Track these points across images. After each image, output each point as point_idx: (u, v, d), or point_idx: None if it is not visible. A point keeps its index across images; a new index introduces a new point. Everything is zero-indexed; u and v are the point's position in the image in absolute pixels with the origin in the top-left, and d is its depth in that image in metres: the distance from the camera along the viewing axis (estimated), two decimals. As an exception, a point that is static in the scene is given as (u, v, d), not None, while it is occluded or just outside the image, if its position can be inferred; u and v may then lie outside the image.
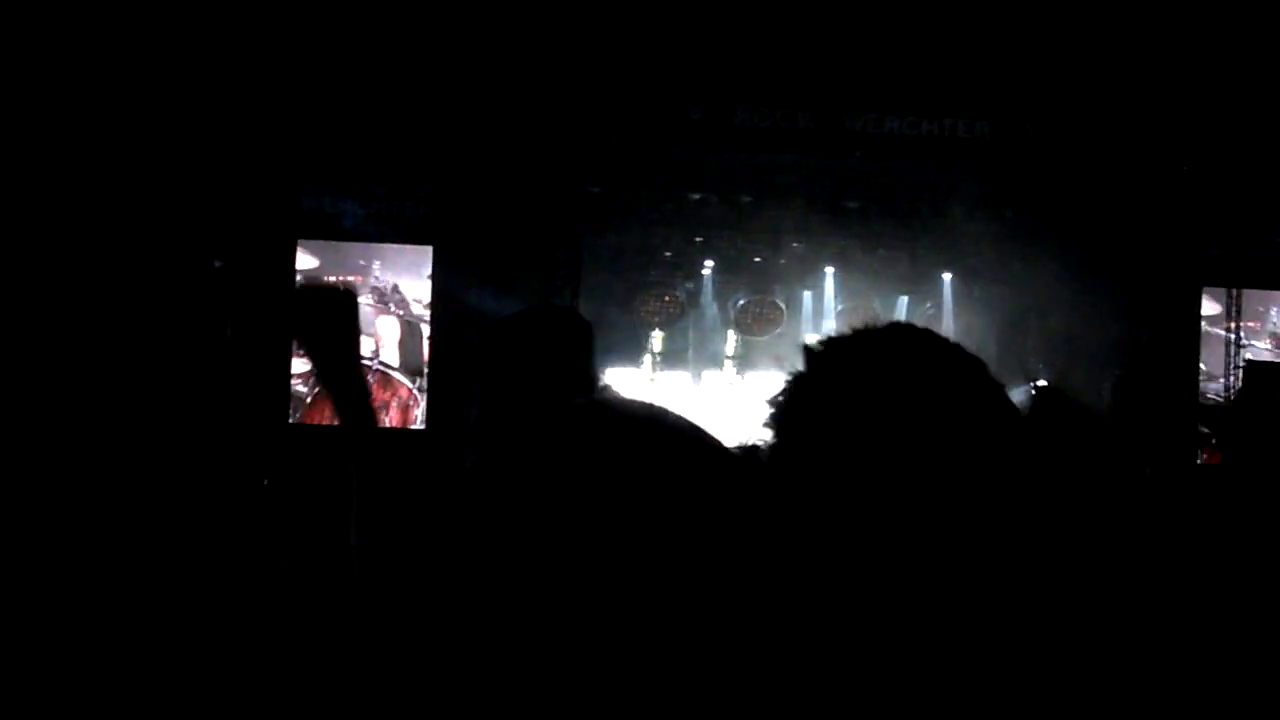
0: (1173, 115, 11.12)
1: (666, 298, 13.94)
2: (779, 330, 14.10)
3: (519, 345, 3.40)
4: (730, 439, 1.56)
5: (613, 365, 13.46)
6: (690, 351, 14.12)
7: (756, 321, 14.15)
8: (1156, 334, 11.48)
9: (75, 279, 9.46)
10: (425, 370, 11.25)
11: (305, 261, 11.17)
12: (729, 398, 13.85)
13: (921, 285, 13.66)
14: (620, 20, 10.60)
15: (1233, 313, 11.72)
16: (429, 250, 11.33)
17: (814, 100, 11.34)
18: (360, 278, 11.18)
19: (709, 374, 14.18)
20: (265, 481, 9.56)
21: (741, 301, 14.13)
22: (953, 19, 10.63)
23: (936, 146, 11.55)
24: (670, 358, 14.06)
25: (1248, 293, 11.75)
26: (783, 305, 14.12)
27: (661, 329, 13.97)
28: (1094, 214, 11.41)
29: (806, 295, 14.04)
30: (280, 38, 10.35)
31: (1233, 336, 11.69)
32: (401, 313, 11.36)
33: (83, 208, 9.56)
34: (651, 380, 13.79)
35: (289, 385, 10.91)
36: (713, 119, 11.38)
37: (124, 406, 9.24)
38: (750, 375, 14.07)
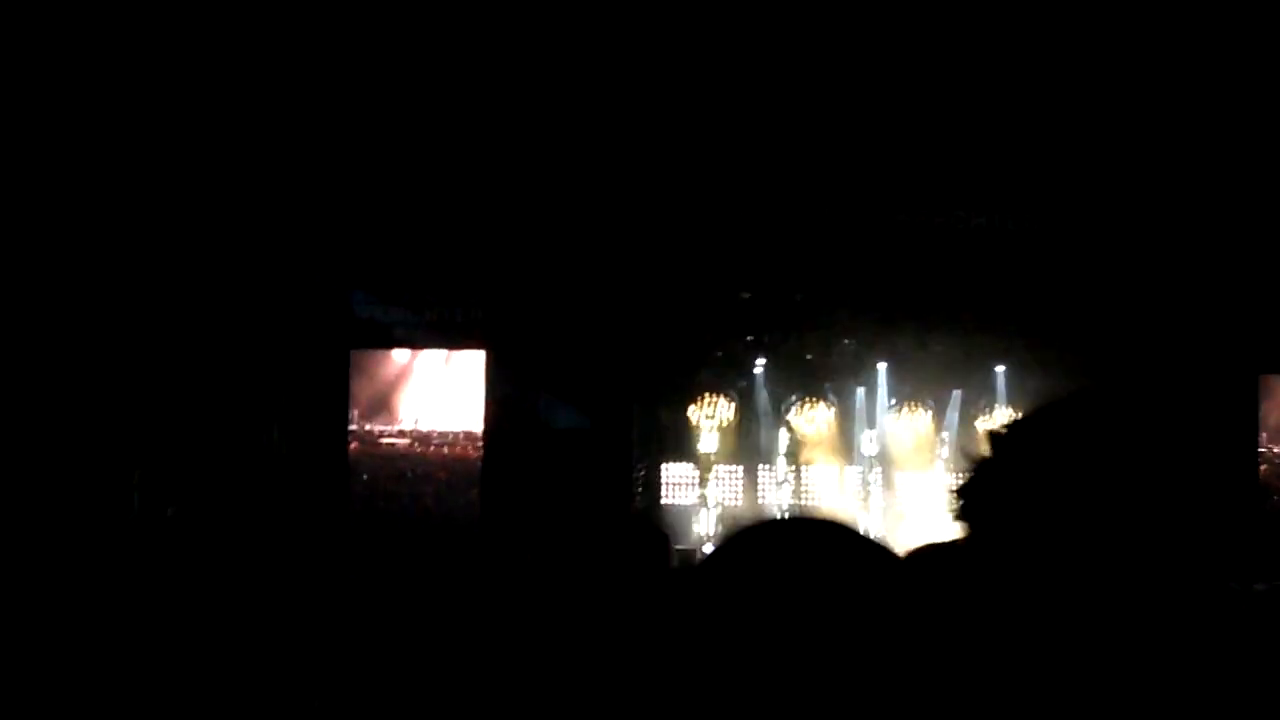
0: (1223, 206, 11.09)
1: (718, 397, 13.93)
2: (830, 428, 14.05)
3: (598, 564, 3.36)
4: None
5: (667, 462, 13.47)
6: (742, 451, 14.08)
7: (808, 420, 14.12)
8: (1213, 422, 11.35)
9: (133, 374, 9.56)
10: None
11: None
12: (784, 493, 13.80)
13: (974, 378, 13.59)
14: (673, 125, 10.70)
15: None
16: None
17: (863, 198, 11.39)
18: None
19: (762, 470, 14.12)
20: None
21: (794, 399, 14.11)
22: (1000, 113, 10.67)
23: (986, 240, 11.55)
24: (723, 456, 14.01)
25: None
26: (834, 402, 14.08)
27: (713, 429, 13.94)
28: (1148, 306, 11.36)
29: (859, 391, 14.00)
30: (331, 146, 10.48)
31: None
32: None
33: (147, 308, 9.67)
34: (706, 478, 13.75)
35: (347, 487, 10.94)
36: (764, 218, 11.45)
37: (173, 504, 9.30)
38: (804, 470, 14.02)
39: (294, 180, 10.43)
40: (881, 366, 13.74)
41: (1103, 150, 10.89)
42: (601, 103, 10.61)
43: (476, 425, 11.48)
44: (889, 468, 14.07)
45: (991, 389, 13.54)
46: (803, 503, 14.02)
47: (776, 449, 14.11)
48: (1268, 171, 10.79)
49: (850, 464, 14.11)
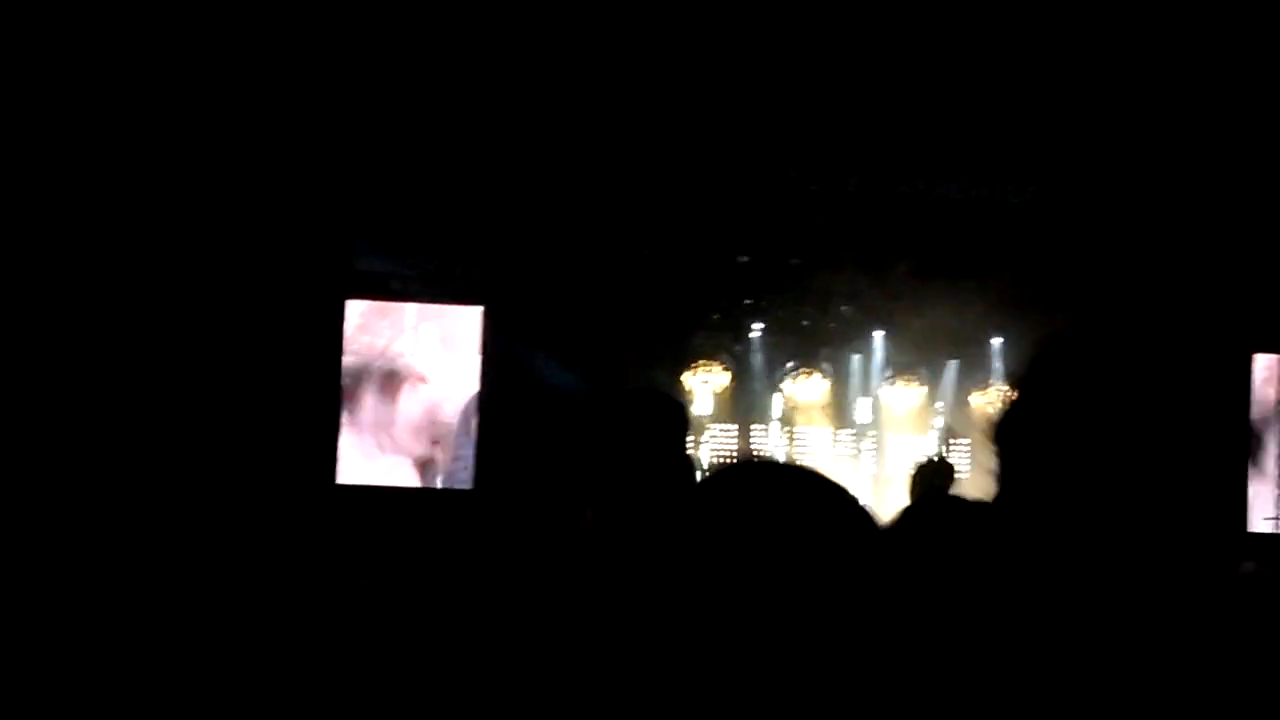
0: (1226, 181, 11.08)
1: (714, 363, 13.94)
2: (825, 398, 14.08)
3: (619, 435, 3.42)
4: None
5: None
6: (736, 414, 14.10)
7: (803, 388, 14.13)
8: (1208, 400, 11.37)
9: (127, 332, 9.55)
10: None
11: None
12: (778, 451, 13.84)
13: (971, 349, 13.61)
14: (671, 85, 10.67)
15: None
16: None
17: (864, 164, 11.37)
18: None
19: (755, 431, 14.15)
20: None
21: (790, 367, 14.11)
22: (1002, 84, 10.65)
23: (986, 210, 11.55)
24: (717, 419, 14.03)
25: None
26: (830, 371, 14.09)
27: (708, 394, 13.95)
28: (1146, 279, 11.35)
29: (855, 359, 14.02)
30: (331, 96, 10.45)
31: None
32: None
33: (141, 264, 9.66)
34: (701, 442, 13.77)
35: (335, 444, 10.93)
36: (763, 182, 11.43)
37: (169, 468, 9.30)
38: (796, 435, 14.06)
39: (293, 132, 10.40)
40: (878, 334, 13.76)
41: (1104, 122, 10.87)
42: (599, 65, 10.58)
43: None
44: (882, 435, 14.11)
45: (988, 361, 13.57)
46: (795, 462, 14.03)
47: (770, 414, 14.14)
48: (1268, 147, 10.78)
49: (843, 429, 14.15)
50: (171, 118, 9.80)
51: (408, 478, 11.09)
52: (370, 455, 11.04)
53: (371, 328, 11.17)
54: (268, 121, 10.24)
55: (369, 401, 11.12)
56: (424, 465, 11.17)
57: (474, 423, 11.16)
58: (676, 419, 3.53)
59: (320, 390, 10.68)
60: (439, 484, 11.12)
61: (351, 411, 11.05)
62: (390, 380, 11.15)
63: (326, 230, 10.78)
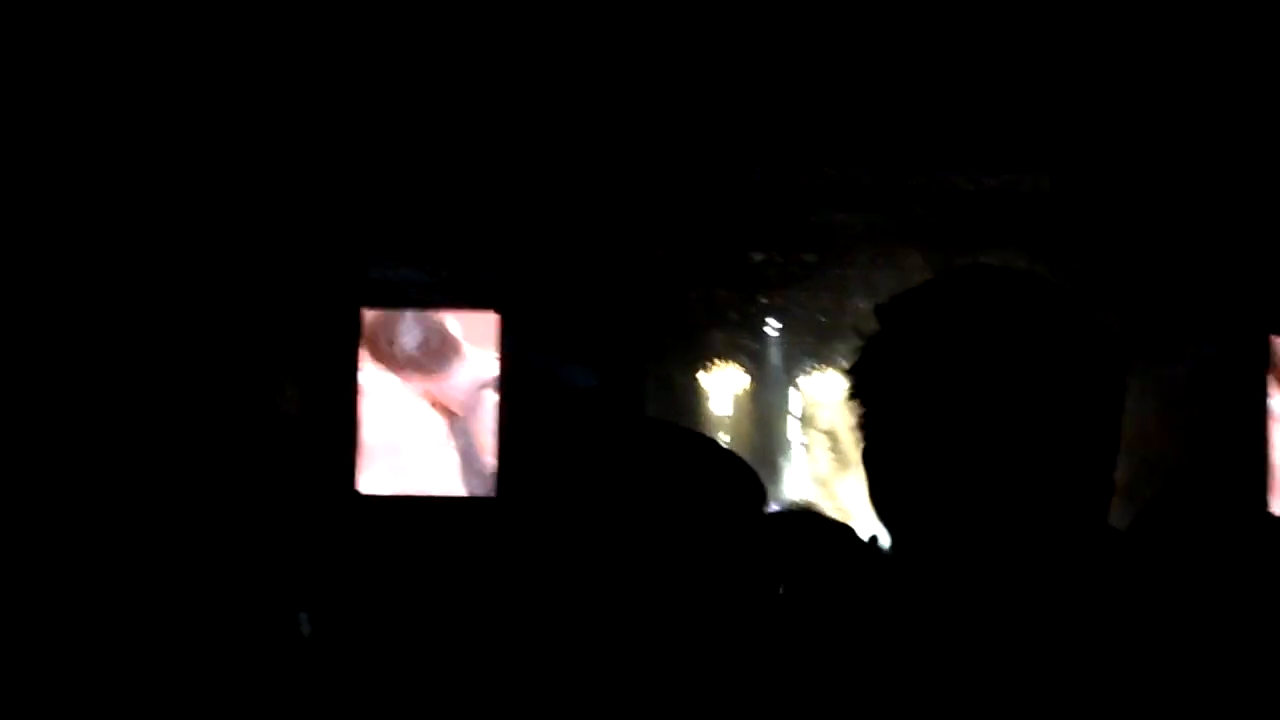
0: (1241, 168, 11.03)
1: (730, 364, 13.93)
2: (842, 393, 14.05)
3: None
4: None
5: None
6: (754, 413, 14.10)
7: (820, 386, 14.13)
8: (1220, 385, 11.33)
9: (141, 338, 9.59)
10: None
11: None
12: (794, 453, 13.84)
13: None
14: (682, 83, 10.66)
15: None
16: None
17: (876, 159, 11.35)
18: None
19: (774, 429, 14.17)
20: None
21: (807, 365, 14.12)
22: (1012, 75, 10.62)
23: (997, 201, 11.53)
24: (736, 419, 14.04)
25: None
26: (846, 368, 14.07)
27: (725, 395, 13.96)
28: (1158, 268, 11.33)
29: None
30: (344, 104, 10.48)
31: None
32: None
33: (152, 269, 9.69)
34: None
35: (354, 453, 10.94)
36: (775, 179, 11.43)
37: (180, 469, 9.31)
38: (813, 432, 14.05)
39: (306, 140, 10.42)
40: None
41: (1118, 111, 10.83)
42: (609, 65, 10.58)
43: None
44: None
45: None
46: (814, 460, 14.06)
47: (788, 412, 14.14)
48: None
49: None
50: (183, 122, 9.83)
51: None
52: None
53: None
54: (281, 130, 10.26)
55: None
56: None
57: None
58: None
59: (336, 397, 10.71)
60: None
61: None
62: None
63: (341, 240, 10.81)
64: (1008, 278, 1.38)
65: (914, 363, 1.32)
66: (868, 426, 1.37)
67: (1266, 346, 11.29)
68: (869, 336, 1.40)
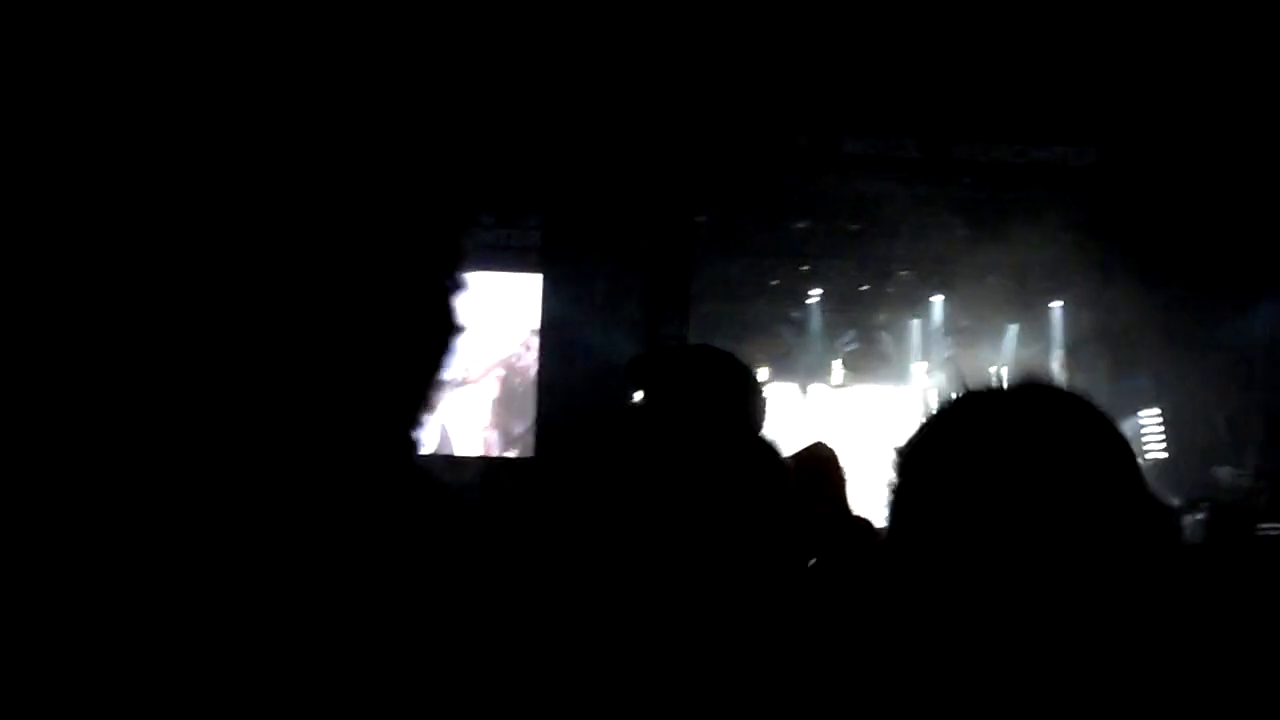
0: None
1: (773, 338, 13.84)
2: (883, 363, 14.04)
3: (674, 397, 3.07)
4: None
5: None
6: (797, 377, 14.04)
7: (864, 360, 14.07)
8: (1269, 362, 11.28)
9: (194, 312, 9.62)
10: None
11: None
12: (834, 409, 13.74)
13: (1030, 313, 13.50)
14: (729, 51, 10.64)
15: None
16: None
17: (921, 129, 11.31)
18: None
19: (814, 388, 14.10)
20: None
21: (849, 337, 14.07)
22: (1060, 47, 10.55)
23: (1045, 174, 11.46)
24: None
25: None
26: (887, 340, 14.05)
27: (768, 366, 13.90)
28: (1207, 241, 11.24)
29: (914, 324, 13.96)
30: (387, 68, 10.47)
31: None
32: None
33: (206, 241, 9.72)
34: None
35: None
36: (820, 147, 11.38)
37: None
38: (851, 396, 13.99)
39: (355, 103, 10.43)
40: (937, 299, 13.68)
41: (1165, 84, 10.75)
42: (653, 31, 10.57)
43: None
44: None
45: (1048, 325, 13.46)
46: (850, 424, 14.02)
47: (830, 380, 14.08)
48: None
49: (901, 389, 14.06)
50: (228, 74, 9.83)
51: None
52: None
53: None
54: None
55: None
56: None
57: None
58: (738, 380, 3.13)
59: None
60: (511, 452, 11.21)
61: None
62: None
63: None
64: (1053, 405, 1.50)
65: (957, 468, 1.46)
66: (902, 499, 1.48)
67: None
68: (924, 424, 1.52)
